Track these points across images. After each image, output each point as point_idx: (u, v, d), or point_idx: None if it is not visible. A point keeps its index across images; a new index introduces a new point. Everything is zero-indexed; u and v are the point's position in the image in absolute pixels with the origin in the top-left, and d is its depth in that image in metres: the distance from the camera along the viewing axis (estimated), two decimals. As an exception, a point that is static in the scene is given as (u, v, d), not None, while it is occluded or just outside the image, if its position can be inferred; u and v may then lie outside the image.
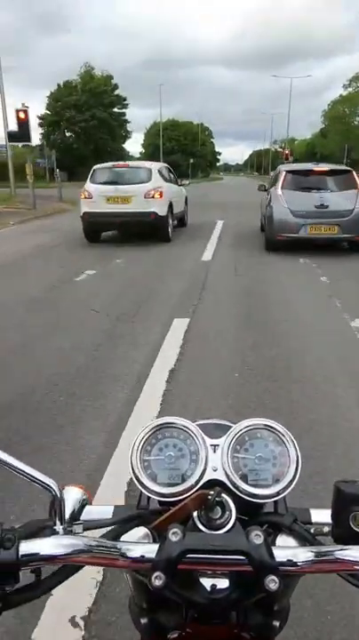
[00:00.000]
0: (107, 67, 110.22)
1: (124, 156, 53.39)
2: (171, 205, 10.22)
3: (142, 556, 0.51)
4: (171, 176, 11.40)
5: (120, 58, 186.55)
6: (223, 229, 12.15)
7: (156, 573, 0.47)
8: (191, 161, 72.47)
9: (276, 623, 0.59)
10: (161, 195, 9.71)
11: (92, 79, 54.31)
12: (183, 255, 8.74)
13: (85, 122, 52.32)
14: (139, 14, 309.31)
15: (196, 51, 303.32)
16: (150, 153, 72.60)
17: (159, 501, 0.61)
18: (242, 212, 16.02)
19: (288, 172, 9.14)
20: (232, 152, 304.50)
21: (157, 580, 0.46)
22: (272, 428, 0.63)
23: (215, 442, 0.63)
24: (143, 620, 0.61)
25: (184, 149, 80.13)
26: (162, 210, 9.77)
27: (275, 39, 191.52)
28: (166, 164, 11.85)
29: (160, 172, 10.38)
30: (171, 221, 10.32)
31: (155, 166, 10.43)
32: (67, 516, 0.59)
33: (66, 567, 0.55)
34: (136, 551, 0.51)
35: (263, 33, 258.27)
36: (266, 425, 0.64)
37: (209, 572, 0.53)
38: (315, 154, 79.60)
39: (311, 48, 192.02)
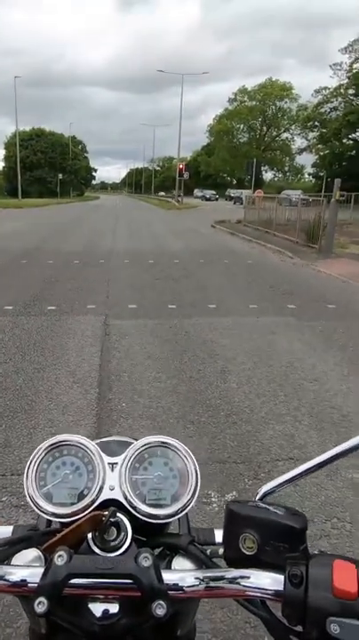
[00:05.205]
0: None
1: None
2: None
3: (24, 580, 0.48)
4: None
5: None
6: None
7: (39, 599, 0.44)
8: (60, 177, 62.11)
9: None
10: None
11: None
12: None
13: None
14: (18, 33, 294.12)
15: (77, 72, 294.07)
16: (10, 166, 61.43)
17: (59, 522, 0.57)
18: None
19: None
20: (109, 171, 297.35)
21: (40, 606, 0.44)
22: (171, 445, 0.61)
23: (113, 460, 0.60)
24: None
25: (52, 163, 70.01)
26: None
27: (155, 65, 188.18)
28: None
29: None
30: None
31: None
32: None
33: None
34: (17, 575, 0.49)
35: (142, 59, 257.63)
36: (163, 442, 0.61)
37: (101, 597, 0.50)
38: (199, 172, 74.56)
39: (185, 75, 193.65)
